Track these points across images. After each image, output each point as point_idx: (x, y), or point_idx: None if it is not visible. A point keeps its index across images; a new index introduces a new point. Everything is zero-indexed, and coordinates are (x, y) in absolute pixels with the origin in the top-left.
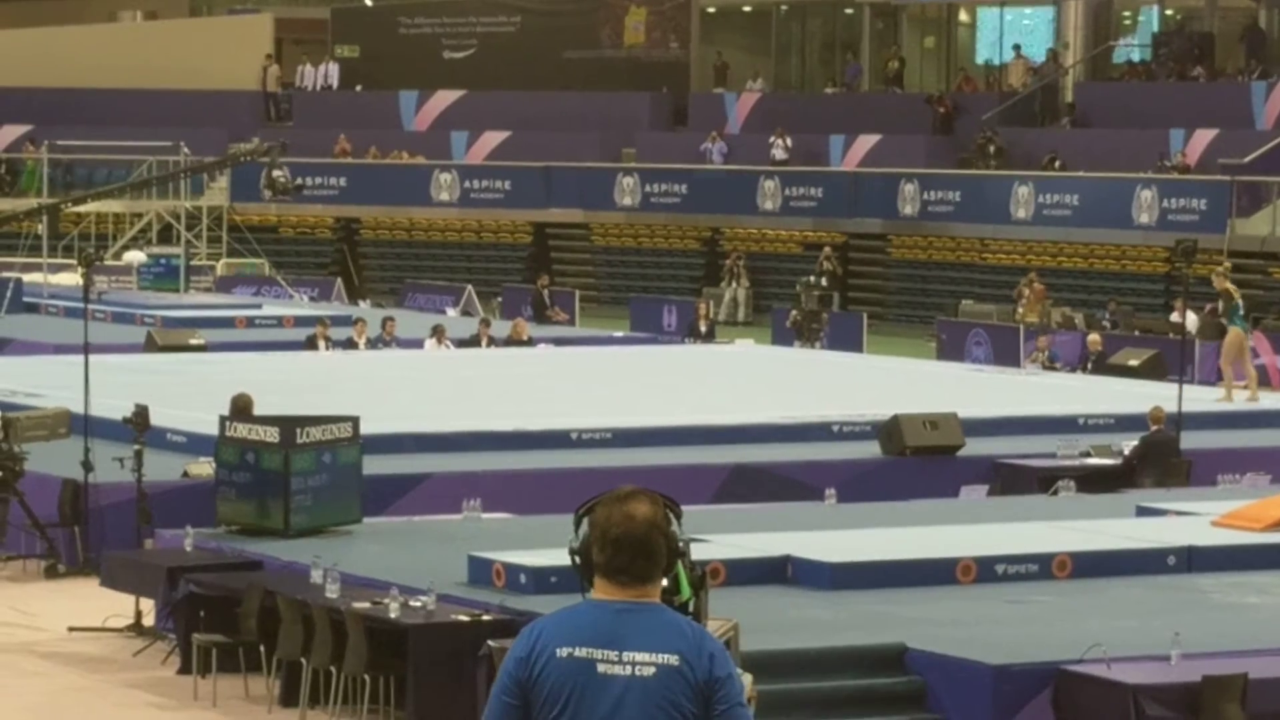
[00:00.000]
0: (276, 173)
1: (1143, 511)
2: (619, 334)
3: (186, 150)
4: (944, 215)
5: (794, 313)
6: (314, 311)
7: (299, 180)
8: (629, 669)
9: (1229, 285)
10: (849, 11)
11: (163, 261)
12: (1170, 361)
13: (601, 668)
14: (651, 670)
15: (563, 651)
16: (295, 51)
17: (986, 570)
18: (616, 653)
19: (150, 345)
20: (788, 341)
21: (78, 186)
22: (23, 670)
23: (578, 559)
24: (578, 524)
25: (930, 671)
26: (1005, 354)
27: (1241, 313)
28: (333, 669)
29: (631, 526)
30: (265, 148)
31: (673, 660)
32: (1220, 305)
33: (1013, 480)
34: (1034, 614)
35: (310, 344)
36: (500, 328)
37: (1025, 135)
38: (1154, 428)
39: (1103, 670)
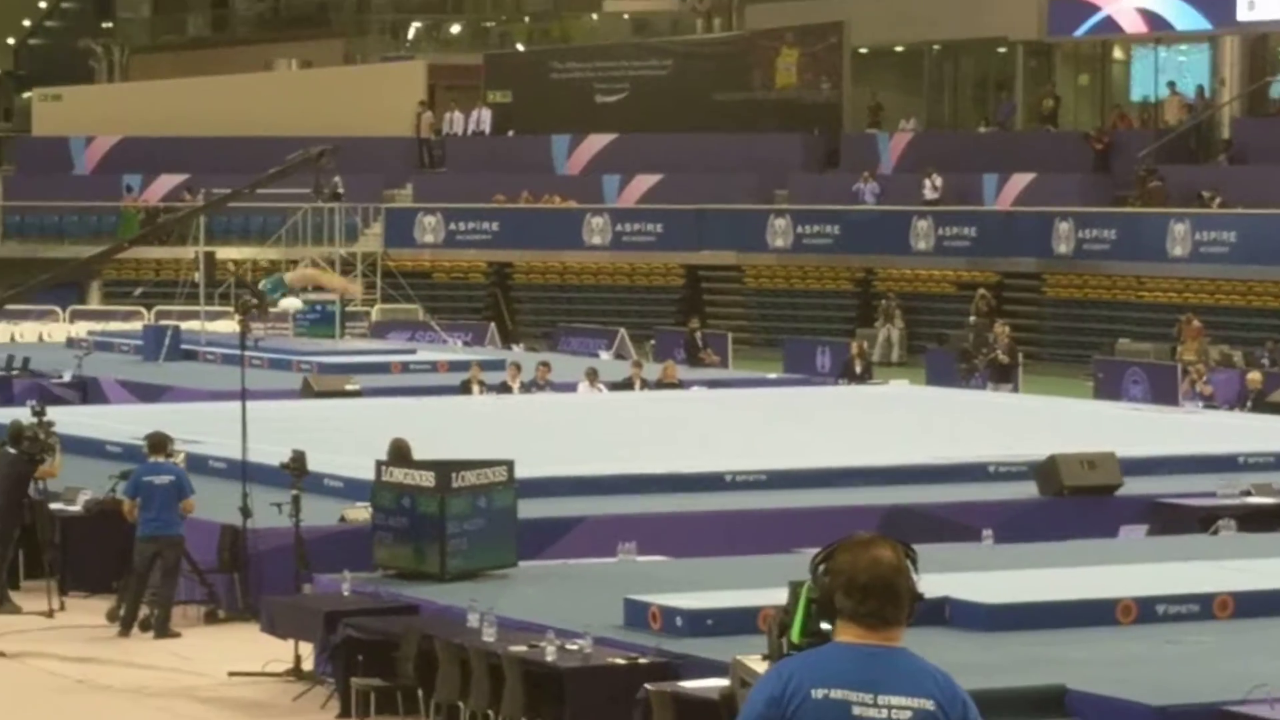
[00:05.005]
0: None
1: None
2: (772, 376)
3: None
4: (1099, 254)
5: (983, 352)
6: (468, 356)
7: (340, 189)
8: (885, 712)
9: None
10: (1002, 50)
11: (318, 308)
12: None
13: (857, 710)
14: (908, 715)
15: (818, 693)
16: (448, 97)
17: (1147, 611)
18: (871, 695)
19: (306, 391)
20: (943, 382)
21: (233, 235)
22: (183, 715)
23: (814, 606)
24: (815, 570)
25: (1091, 713)
26: (1163, 393)
27: None
28: (490, 712)
29: (880, 571)
30: (317, 152)
31: (928, 705)
32: None
33: (1172, 520)
34: (1195, 654)
35: (465, 388)
36: (652, 370)
37: (1182, 172)
38: None
39: (1266, 710)
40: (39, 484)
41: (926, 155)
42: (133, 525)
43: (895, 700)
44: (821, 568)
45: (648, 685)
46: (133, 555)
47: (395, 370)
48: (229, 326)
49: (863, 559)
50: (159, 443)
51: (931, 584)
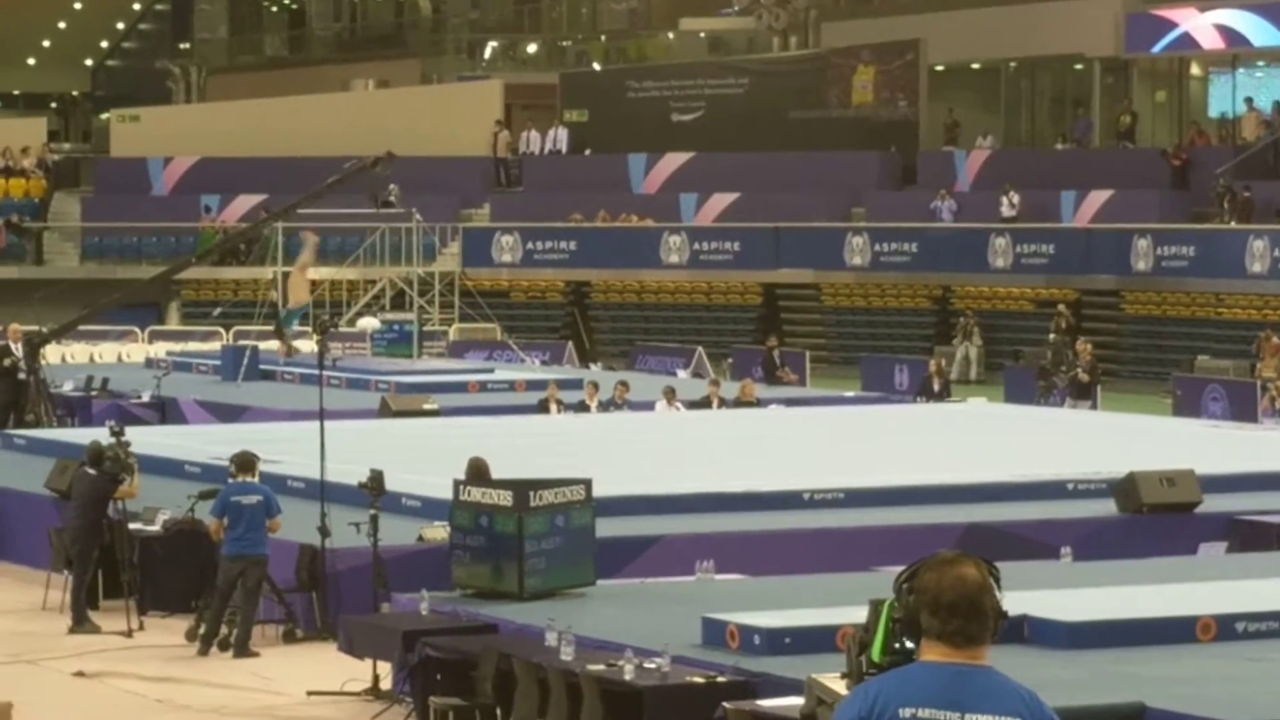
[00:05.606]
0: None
1: None
2: (850, 394)
3: (418, 217)
4: (1178, 270)
5: (1062, 369)
6: (545, 375)
7: (392, 197)
8: None
9: None
10: (1079, 67)
11: (396, 327)
12: None
13: None
14: None
15: (905, 712)
16: (524, 117)
17: (1227, 628)
18: (959, 714)
19: (384, 411)
20: (1021, 399)
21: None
22: None
23: (897, 625)
24: (899, 588)
25: None
26: (1242, 409)
27: None
28: None
29: (965, 590)
30: (372, 160)
31: None
32: None
33: (1252, 537)
34: (1276, 672)
35: (542, 407)
36: (730, 389)
37: (1260, 188)
38: None
39: None
40: (118, 504)
41: (1004, 172)
42: (213, 544)
43: (982, 719)
44: (906, 586)
45: (726, 704)
46: (216, 574)
47: (473, 389)
48: (307, 346)
49: (947, 577)
50: (247, 462)
51: (1010, 602)
